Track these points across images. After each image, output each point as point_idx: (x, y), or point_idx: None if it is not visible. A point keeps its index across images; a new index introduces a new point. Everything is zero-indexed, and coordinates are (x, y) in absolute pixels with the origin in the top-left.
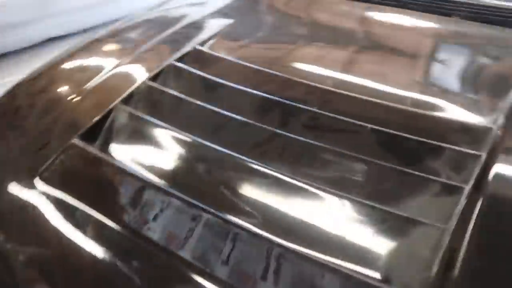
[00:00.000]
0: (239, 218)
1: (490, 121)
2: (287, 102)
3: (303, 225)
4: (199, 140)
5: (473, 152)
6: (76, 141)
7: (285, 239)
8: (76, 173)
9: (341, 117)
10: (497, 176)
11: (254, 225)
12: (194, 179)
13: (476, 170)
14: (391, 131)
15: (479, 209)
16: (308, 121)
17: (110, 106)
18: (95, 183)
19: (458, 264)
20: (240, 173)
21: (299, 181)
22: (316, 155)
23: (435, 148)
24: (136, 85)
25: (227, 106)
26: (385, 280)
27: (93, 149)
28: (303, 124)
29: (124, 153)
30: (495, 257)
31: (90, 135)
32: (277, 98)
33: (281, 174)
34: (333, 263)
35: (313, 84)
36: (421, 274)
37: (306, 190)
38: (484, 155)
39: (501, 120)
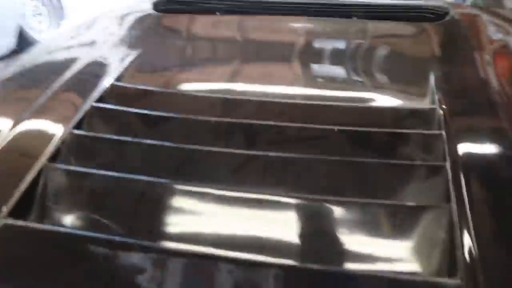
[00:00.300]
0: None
1: (430, 103)
2: (245, 122)
3: (323, 241)
4: (170, 183)
5: (434, 132)
6: (5, 220)
7: (312, 261)
8: (17, 259)
9: (307, 125)
10: (466, 150)
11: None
12: (176, 232)
13: (445, 148)
14: (359, 129)
15: (466, 182)
16: (275, 136)
17: (36, 169)
18: (48, 267)
19: (476, 237)
20: (230, 206)
21: (297, 198)
22: (299, 168)
23: (402, 136)
24: (58, 138)
25: (180, 139)
26: (421, 272)
27: (35, 224)
28: (270, 141)
29: (75, 218)
30: (502, 221)
31: (20, 210)
32: (233, 120)
33: (279, 196)
34: (369, 270)
35: (262, 100)
36: (450, 257)
37: (307, 206)
38: (443, 133)
39: (437, 100)
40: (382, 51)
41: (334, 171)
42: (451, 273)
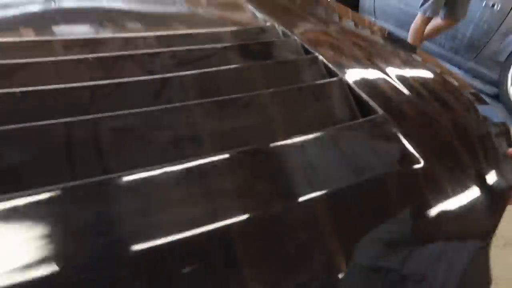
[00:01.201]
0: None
1: (264, 22)
2: (134, 53)
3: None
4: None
5: (290, 38)
6: None
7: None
8: None
9: (194, 47)
10: (317, 45)
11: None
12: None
13: (304, 46)
14: (241, 43)
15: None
16: (170, 61)
17: None
18: None
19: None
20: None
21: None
22: (218, 79)
23: (272, 44)
24: None
25: (63, 82)
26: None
27: None
28: (168, 65)
29: None
30: (368, 74)
31: None
32: (118, 54)
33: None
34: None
35: (124, 36)
36: (362, 107)
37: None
38: (296, 37)
39: (264, 20)
40: None
41: (247, 76)
42: (370, 114)
